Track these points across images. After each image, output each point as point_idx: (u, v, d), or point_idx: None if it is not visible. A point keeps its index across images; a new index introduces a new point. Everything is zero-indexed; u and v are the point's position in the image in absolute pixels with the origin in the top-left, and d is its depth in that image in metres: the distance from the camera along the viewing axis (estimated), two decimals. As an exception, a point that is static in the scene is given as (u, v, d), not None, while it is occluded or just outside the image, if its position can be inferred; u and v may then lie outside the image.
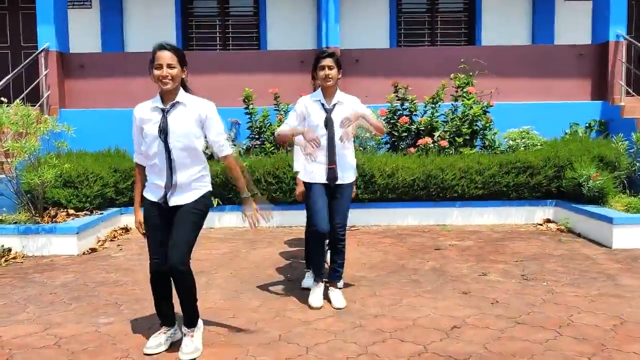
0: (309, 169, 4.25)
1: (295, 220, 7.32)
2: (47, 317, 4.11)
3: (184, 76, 3.34)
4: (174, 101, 3.30)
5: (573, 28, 10.45)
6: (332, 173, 4.18)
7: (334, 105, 4.20)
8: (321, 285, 4.33)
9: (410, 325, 3.83)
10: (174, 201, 3.32)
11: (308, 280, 4.68)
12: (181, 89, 3.36)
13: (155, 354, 3.40)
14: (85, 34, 10.39)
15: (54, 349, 3.52)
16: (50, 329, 3.87)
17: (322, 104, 4.21)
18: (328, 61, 4.13)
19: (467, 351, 3.38)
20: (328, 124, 4.16)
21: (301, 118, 4.25)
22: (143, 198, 3.44)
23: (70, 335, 3.75)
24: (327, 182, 4.20)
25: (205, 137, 3.38)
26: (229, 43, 11.05)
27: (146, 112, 3.33)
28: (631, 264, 5.34)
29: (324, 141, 4.16)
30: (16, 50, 10.99)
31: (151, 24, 10.62)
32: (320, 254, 4.36)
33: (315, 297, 4.24)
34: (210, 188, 3.45)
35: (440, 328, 3.77)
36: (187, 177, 3.32)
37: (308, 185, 4.29)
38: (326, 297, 4.35)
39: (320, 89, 4.26)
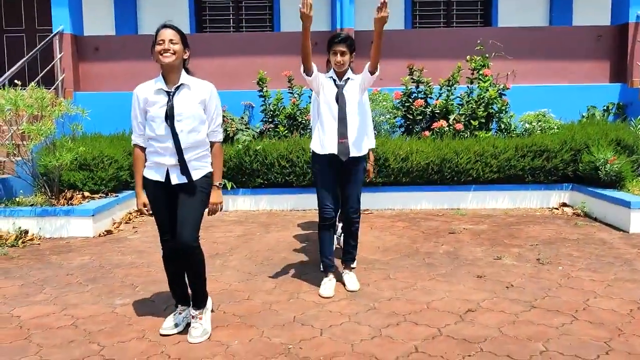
0: (322, 137, 4.19)
1: (308, 203, 7.32)
2: (64, 298, 4.16)
3: (185, 57, 3.34)
4: (178, 83, 3.30)
5: (592, 9, 10.24)
6: (343, 147, 4.12)
7: (345, 80, 4.17)
8: (332, 278, 4.30)
9: (424, 309, 3.82)
10: (177, 179, 3.32)
11: None
12: (183, 71, 3.35)
13: (172, 334, 3.43)
14: (99, 16, 10.37)
15: (71, 329, 3.56)
16: (67, 310, 3.91)
17: (334, 80, 4.18)
18: (341, 47, 4.07)
19: (482, 334, 3.37)
20: (339, 98, 4.12)
21: (318, 82, 4.19)
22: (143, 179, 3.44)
23: (87, 315, 3.80)
24: (337, 154, 4.13)
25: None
26: (242, 25, 10.98)
27: (150, 94, 3.31)
28: (648, 249, 5.29)
29: (335, 113, 4.12)
30: (31, 34, 11.01)
31: (165, 6, 10.56)
32: (328, 240, 4.31)
33: (326, 288, 4.19)
34: (211, 169, 3.45)
35: (455, 311, 3.76)
36: (191, 157, 3.32)
37: (317, 166, 4.25)
38: (340, 279, 4.36)
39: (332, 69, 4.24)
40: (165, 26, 3.26)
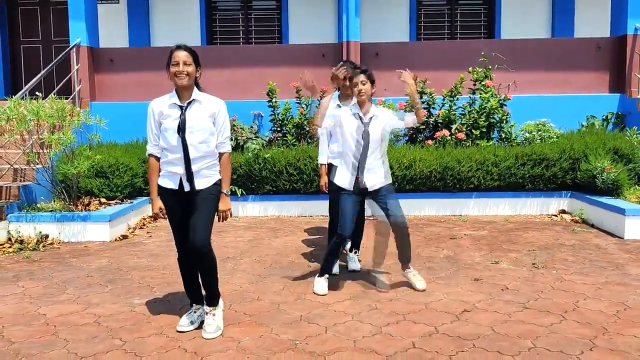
0: (339, 173, 4.53)
1: (315, 210, 7.59)
2: (86, 298, 4.44)
3: (197, 75, 3.64)
4: (190, 99, 3.60)
5: (593, 21, 10.49)
6: (357, 185, 4.44)
7: (371, 118, 4.42)
8: (326, 279, 4.58)
9: (423, 309, 4.08)
10: (189, 187, 3.61)
11: (335, 266, 4.92)
12: (195, 87, 3.65)
13: (188, 331, 3.70)
14: (113, 28, 10.73)
15: (95, 326, 3.84)
16: (89, 309, 4.20)
17: (360, 117, 4.42)
18: (362, 77, 4.36)
19: (476, 332, 3.62)
20: (364, 137, 4.38)
21: (333, 122, 4.54)
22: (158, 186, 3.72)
23: (108, 314, 4.08)
24: (354, 191, 4.45)
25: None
26: (252, 36, 11.31)
27: (165, 108, 3.61)
28: (641, 254, 5.52)
29: (358, 151, 4.40)
30: (47, 45, 11.41)
31: (176, 18, 10.93)
32: (335, 254, 4.60)
33: (321, 286, 4.51)
34: (219, 176, 3.74)
35: (451, 311, 4.01)
36: (201, 166, 3.61)
37: (339, 189, 4.54)
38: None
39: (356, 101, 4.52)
40: (179, 47, 3.56)
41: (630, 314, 3.91)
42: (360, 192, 4.49)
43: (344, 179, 4.50)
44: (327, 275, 4.59)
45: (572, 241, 6.08)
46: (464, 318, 3.89)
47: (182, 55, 3.53)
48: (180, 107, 3.58)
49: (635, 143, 7.25)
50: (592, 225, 6.82)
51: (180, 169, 3.59)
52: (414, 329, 3.71)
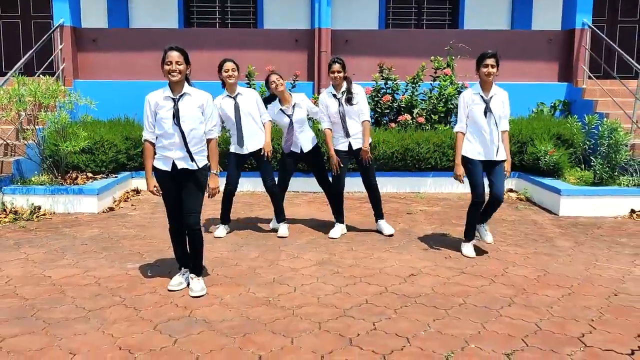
0: (473, 147, 5.47)
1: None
2: (84, 263, 5.06)
3: (188, 72, 4.24)
4: (182, 92, 4.20)
5: (549, 14, 11.20)
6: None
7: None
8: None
9: (377, 273, 4.81)
10: (183, 164, 4.23)
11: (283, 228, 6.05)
12: (185, 82, 4.25)
13: (178, 290, 4.37)
14: (93, 9, 11.03)
15: (96, 286, 4.48)
16: (88, 272, 4.81)
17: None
18: (492, 61, 5.21)
19: (418, 292, 4.37)
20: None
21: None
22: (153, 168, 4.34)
23: (106, 276, 4.71)
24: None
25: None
26: (228, 17, 11.74)
27: (160, 100, 4.22)
28: (570, 229, 6.34)
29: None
30: (26, 20, 11.64)
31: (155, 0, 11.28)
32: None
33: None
34: (207, 161, 4.39)
35: (401, 275, 4.75)
36: (193, 151, 4.23)
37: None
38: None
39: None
40: (172, 48, 4.15)
41: (548, 278, 4.71)
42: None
43: (478, 150, 5.39)
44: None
45: (513, 217, 6.89)
46: (411, 281, 4.63)
47: (174, 55, 4.12)
48: (173, 99, 4.19)
49: (575, 130, 8.07)
50: (534, 203, 7.65)
51: (174, 154, 4.21)
52: (368, 289, 4.44)
